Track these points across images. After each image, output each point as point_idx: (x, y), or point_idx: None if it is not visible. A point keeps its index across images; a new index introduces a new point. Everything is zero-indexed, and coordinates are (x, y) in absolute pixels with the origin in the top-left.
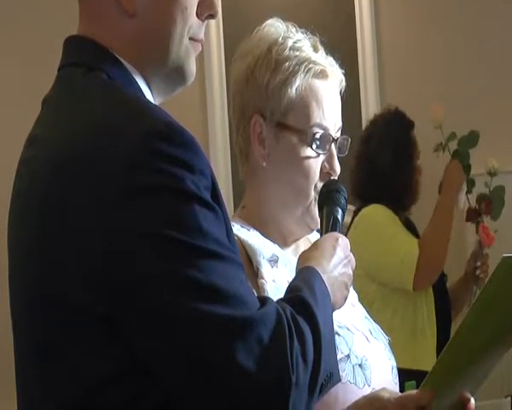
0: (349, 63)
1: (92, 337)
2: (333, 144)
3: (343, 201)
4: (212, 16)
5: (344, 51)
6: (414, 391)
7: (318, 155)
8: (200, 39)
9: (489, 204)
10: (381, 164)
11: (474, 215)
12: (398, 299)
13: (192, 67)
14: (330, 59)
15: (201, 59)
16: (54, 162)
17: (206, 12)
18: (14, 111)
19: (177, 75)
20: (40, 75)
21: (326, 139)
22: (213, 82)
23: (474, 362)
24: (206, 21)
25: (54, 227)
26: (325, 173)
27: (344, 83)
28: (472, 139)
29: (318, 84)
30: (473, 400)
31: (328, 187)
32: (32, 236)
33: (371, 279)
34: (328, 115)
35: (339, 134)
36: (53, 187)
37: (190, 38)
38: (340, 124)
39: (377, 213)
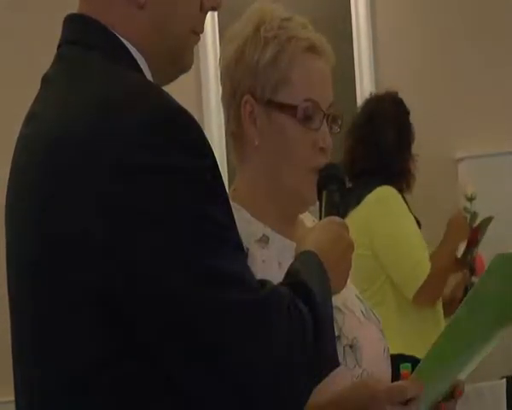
0: (343, 44)
1: (94, 317)
2: (324, 120)
3: (342, 184)
4: (215, 9)
5: (338, 30)
6: (404, 382)
7: (310, 130)
8: (201, 32)
9: (477, 234)
10: (385, 142)
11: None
12: None
13: (190, 60)
14: (319, 35)
15: None
16: (53, 140)
17: (209, 4)
18: (12, 88)
19: (175, 66)
20: (39, 52)
21: (317, 114)
22: (208, 63)
23: (465, 353)
24: (207, 13)
25: (53, 205)
26: (318, 149)
27: (334, 59)
28: (487, 222)
29: (308, 59)
30: (463, 379)
31: (326, 171)
32: (32, 213)
33: (379, 264)
34: (319, 90)
35: (331, 110)
36: (52, 165)
37: (192, 32)
38: (331, 99)
39: (395, 201)
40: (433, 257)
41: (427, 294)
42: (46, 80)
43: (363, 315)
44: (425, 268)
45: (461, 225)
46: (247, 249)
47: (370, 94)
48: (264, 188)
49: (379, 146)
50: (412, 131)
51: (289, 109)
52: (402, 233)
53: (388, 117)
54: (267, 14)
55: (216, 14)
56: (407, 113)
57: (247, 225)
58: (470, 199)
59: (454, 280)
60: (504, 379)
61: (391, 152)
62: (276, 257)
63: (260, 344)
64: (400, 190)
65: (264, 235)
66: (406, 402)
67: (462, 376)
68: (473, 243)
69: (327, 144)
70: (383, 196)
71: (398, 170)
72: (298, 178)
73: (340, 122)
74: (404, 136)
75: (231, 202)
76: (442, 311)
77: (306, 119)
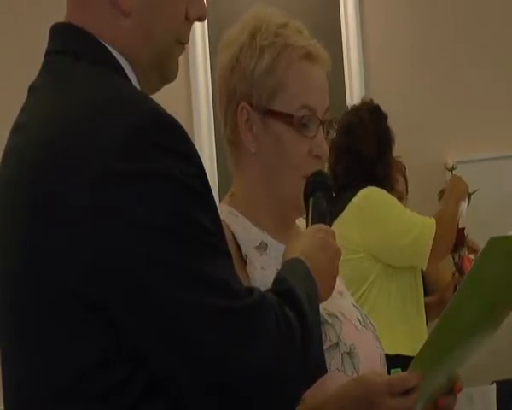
0: (333, 50)
1: (82, 323)
2: (320, 126)
3: (329, 191)
4: (200, 19)
5: (328, 36)
6: (403, 373)
7: (306, 138)
8: (186, 42)
9: (464, 235)
10: (367, 151)
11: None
12: (401, 276)
13: (175, 69)
14: (315, 41)
15: (186, 50)
16: (41, 149)
17: (194, 15)
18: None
19: (160, 75)
20: (25, 62)
21: (314, 121)
22: (198, 73)
23: (462, 342)
24: (192, 23)
25: (43, 215)
26: (314, 156)
27: (330, 64)
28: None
29: (304, 66)
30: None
31: (314, 178)
32: (21, 224)
33: (376, 260)
34: (315, 97)
35: (327, 116)
36: (41, 175)
37: (177, 41)
38: (327, 104)
39: (378, 195)
40: (437, 214)
41: (440, 247)
42: (33, 90)
43: (360, 323)
44: (431, 225)
45: (460, 183)
46: (246, 256)
47: (347, 108)
48: (261, 194)
49: (360, 156)
50: (391, 136)
51: (285, 117)
52: (393, 215)
53: (367, 126)
54: (263, 20)
55: (206, 24)
56: (384, 118)
57: (246, 231)
58: (451, 169)
59: (443, 282)
60: (494, 384)
61: (373, 160)
62: (274, 264)
63: (248, 350)
64: None
65: (262, 242)
66: (406, 393)
67: (459, 369)
68: (459, 243)
69: (322, 152)
70: (366, 193)
71: (381, 176)
72: (293, 185)
73: (336, 127)
74: (383, 142)
75: (229, 208)
76: (424, 314)
77: (302, 126)
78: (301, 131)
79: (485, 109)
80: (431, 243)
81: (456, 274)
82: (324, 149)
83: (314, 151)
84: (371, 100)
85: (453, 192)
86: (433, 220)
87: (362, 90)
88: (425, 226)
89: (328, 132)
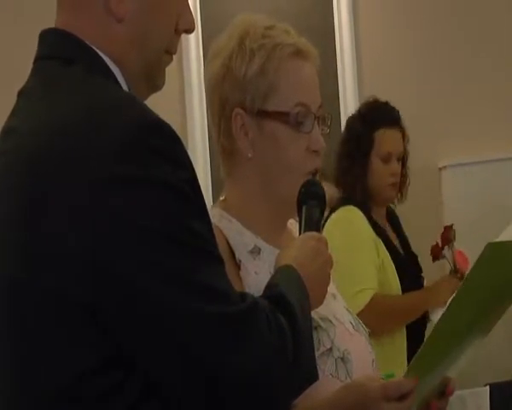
0: (327, 53)
1: (81, 325)
2: (315, 122)
3: (322, 200)
4: (188, 31)
5: (321, 39)
6: (398, 378)
7: (302, 134)
8: (175, 53)
9: (450, 232)
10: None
11: (439, 250)
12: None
13: (163, 78)
14: (303, 39)
15: (179, 53)
16: (35, 153)
17: (183, 27)
18: None
19: (148, 84)
20: (14, 66)
21: (308, 117)
22: (191, 77)
23: (457, 346)
24: (180, 35)
25: (42, 216)
26: (311, 152)
27: (319, 61)
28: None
29: (294, 64)
30: (453, 376)
31: (306, 187)
32: (19, 224)
33: None
34: (308, 93)
35: (321, 111)
36: (40, 176)
37: (166, 51)
38: (319, 101)
39: (342, 230)
40: (403, 304)
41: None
42: (23, 94)
43: (353, 327)
44: (365, 296)
45: (452, 285)
46: (240, 261)
47: (339, 109)
48: (257, 198)
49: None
50: (372, 141)
51: (281, 116)
52: (348, 260)
53: (343, 138)
54: (250, 25)
55: (200, 27)
56: (370, 124)
57: (239, 236)
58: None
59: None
60: (488, 386)
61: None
62: (268, 268)
63: (241, 356)
64: (366, 209)
65: (255, 246)
66: (401, 398)
67: (453, 374)
68: (446, 241)
69: (320, 146)
70: (335, 220)
71: (352, 183)
72: (292, 184)
73: (329, 123)
74: (359, 151)
75: (222, 212)
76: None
77: (298, 123)
78: (297, 128)
79: (478, 113)
80: (361, 308)
81: (456, 280)
82: (321, 143)
83: (312, 146)
84: (365, 104)
85: (433, 295)
86: (368, 295)
87: (355, 92)
88: (363, 292)
89: (322, 128)
